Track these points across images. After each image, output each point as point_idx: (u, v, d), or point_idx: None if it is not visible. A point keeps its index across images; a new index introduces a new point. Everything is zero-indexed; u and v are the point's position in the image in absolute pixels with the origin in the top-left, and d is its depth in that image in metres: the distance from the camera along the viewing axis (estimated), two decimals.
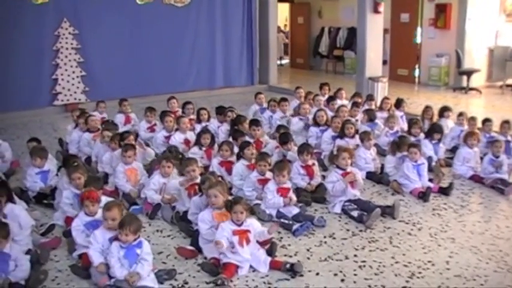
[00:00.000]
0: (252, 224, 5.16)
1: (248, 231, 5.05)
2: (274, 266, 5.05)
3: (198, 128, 8.96)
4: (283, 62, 22.61)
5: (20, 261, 4.82)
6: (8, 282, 4.59)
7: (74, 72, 13.40)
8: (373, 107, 10.38)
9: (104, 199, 5.56)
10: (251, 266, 5.06)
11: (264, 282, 4.86)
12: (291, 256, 5.34)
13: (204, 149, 7.92)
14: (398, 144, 7.60)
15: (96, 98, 12.28)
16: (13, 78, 12.56)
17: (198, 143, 8.01)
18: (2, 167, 8.02)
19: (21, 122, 11.76)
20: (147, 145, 8.46)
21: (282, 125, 8.73)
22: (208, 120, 9.45)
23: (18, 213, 5.55)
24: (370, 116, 9.36)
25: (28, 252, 5.20)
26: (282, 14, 20.52)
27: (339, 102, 10.47)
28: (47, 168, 7.16)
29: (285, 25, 23.16)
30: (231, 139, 8.07)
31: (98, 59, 13.53)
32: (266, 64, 16.57)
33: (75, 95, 13.43)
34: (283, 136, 7.88)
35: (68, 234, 5.61)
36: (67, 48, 13.22)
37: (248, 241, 5.03)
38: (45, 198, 6.93)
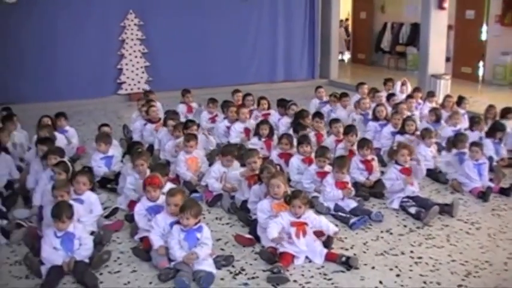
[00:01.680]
0: (309, 216, 5.21)
1: (305, 223, 5.12)
2: (330, 258, 5.09)
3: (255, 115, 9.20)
4: (344, 57, 22.44)
5: (84, 240, 5.06)
6: (73, 260, 4.83)
7: (138, 62, 13.77)
8: (434, 104, 10.24)
9: (169, 185, 5.75)
10: (307, 257, 5.12)
11: (320, 273, 4.91)
12: (347, 249, 5.38)
13: (263, 139, 8.04)
14: (455, 142, 7.50)
15: (159, 88, 12.63)
16: (80, 67, 13.06)
17: (257, 133, 8.14)
18: (68, 152, 8.33)
19: (87, 110, 12.15)
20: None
21: (336, 119, 8.67)
22: (268, 109, 9.59)
23: (94, 202, 5.84)
24: (438, 116, 9.14)
25: (92, 233, 5.43)
26: (344, 8, 20.35)
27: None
28: (111, 154, 7.45)
29: (347, 19, 22.91)
30: (291, 132, 8.14)
31: (162, 50, 13.85)
32: (327, 58, 16.51)
33: (138, 84, 13.79)
34: (348, 128, 7.84)
35: (130, 218, 5.84)
36: (132, 39, 13.61)
37: (305, 233, 5.09)
38: (109, 183, 7.18)
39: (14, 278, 4.94)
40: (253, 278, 4.85)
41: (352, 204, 6.25)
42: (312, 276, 4.85)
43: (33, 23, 12.49)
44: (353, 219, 5.88)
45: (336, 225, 5.80)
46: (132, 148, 6.97)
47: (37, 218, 5.92)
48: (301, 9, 15.81)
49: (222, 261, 5.05)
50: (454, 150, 7.47)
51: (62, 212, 4.93)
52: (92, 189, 5.99)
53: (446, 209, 6.23)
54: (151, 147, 8.43)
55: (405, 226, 5.98)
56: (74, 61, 12.99)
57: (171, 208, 5.11)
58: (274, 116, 9.46)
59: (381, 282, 4.76)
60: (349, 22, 22.76)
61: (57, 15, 12.73)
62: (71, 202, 5.25)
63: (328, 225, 5.25)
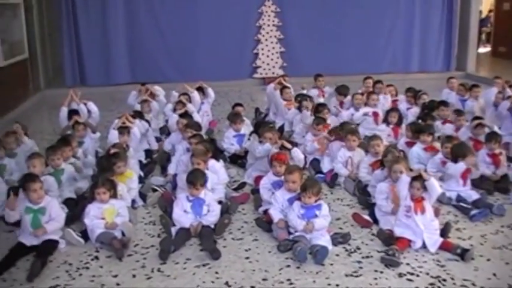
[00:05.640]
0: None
1: (424, 198, 5.15)
2: (445, 247, 5.07)
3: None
4: (483, 50, 21.46)
5: (212, 207, 5.49)
6: (200, 224, 5.28)
7: (273, 48, 14.25)
8: None
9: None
10: (423, 243, 5.15)
11: (433, 260, 4.94)
12: (464, 239, 5.34)
13: (391, 126, 8.10)
14: None
15: (292, 73, 12.98)
16: (218, 50, 13.84)
17: (385, 120, 8.22)
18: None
19: (223, 91, 12.68)
20: None
21: (459, 110, 8.47)
22: (396, 95, 9.74)
23: (218, 169, 6.27)
24: None
25: (220, 202, 5.84)
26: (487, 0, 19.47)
27: None
28: (243, 132, 7.89)
29: (490, 11, 21.85)
30: (419, 121, 8.12)
31: (297, 37, 14.23)
32: (465, 51, 15.95)
33: (273, 69, 14.23)
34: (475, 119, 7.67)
35: (255, 191, 6.22)
36: (269, 25, 14.09)
37: (423, 210, 5.12)
38: (239, 159, 7.61)
39: (147, 236, 5.48)
40: (367, 257, 4.99)
41: (475, 195, 6.16)
42: (425, 262, 4.90)
43: (176, 6, 13.42)
44: (474, 211, 5.82)
45: (456, 216, 5.83)
46: (260, 126, 7.32)
47: (171, 185, 6.52)
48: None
49: (339, 238, 5.24)
50: None
51: (197, 179, 5.42)
52: (215, 158, 6.40)
53: None
54: (281, 128, 8.78)
55: None
56: (213, 44, 13.81)
57: (289, 185, 5.42)
58: (402, 104, 9.43)
59: (494, 274, 4.70)
60: (492, 14, 21.70)
61: (199, 0, 13.59)
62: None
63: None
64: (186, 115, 7.74)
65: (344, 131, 7.12)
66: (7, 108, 10.68)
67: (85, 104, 8.21)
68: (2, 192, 5.99)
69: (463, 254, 4.91)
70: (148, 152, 7.75)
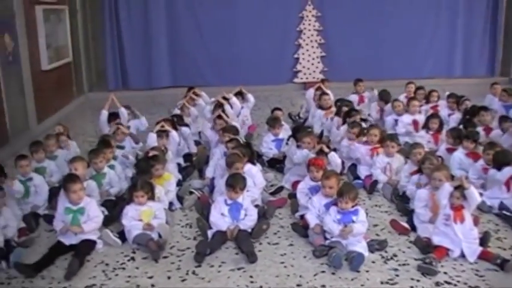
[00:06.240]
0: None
1: (463, 207, 5.05)
2: (484, 256, 4.96)
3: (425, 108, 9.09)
4: None
5: (250, 211, 5.51)
6: (237, 228, 5.29)
7: (314, 52, 14.21)
8: None
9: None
10: (462, 252, 5.04)
11: (472, 269, 4.84)
12: (504, 249, 5.21)
13: (431, 133, 7.97)
14: None
15: (333, 78, 12.99)
16: (259, 55, 13.91)
17: (426, 126, 8.09)
18: (242, 131, 8.90)
19: (263, 95, 12.71)
20: None
21: (505, 116, 8.28)
22: (437, 101, 9.51)
23: (255, 174, 6.27)
24: None
25: (257, 206, 5.84)
26: None
27: None
28: (281, 137, 7.88)
29: None
30: (461, 127, 7.98)
31: (338, 42, 14.15)
32: (509, 55, 15.44)
33: (314, 74, 14.20)
34: None
35: (293, 196, 6.21)
36: (309, 30, 14.06)
37: (463, 219, 5.02)
38: (278, 163, 7.60)
39: (183, 238, 5.54)
40: (403, 264, 4.93)
41: None
42: (464, 271, 4.81)
43: (217, 11, 13.58)
44: None
45: (496, 224, 5.69)
46: (298, 130, 7.30)
47: (209, 188, 6.55)
48: (483, 3, 15.02)
49: (376, 245, 5.19)
50: None
51: (237, 183, 5.46)
52: (251, 162, 6.41)
53: None
54: (321, 133, 8.74)
55: None
56: (253, 49, 13.91)
57: (326, 190, 5.41)
58: (443, 109, 9.26)
59: None
60: None
61: (240, 4, 13.73)
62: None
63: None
64: (221, 117, 7.80)
65: (385, 138, 7.05)
66: (51, 110, 10.91)
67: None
68: (44, 192, 6.17)
69: (503, 264, 4.80)
70: (187, 156, 7.81)
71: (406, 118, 8.60)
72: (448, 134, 7.41)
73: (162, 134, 7.05)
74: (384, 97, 9.58)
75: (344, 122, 7.83)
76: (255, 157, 6.88)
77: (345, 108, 8.28)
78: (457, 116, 8.92)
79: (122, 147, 7.34)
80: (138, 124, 8.37)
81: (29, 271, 4.76)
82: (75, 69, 12.98)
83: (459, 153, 6.94)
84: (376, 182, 6.76)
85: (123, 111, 8.21)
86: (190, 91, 9.55)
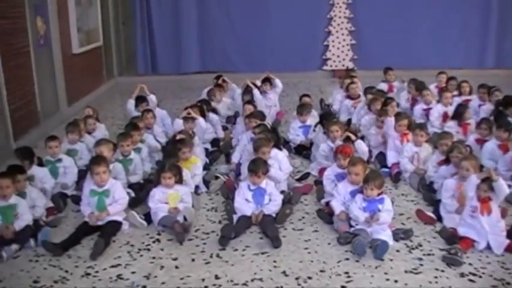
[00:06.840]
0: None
1: (491, 199, 4.97)
2: (511, 249, 4.91)
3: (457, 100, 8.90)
4: None
5: (274, 196, 5.52)
6: (262, 213, 5.32)
7: (344, 40, 14.09)
8: None
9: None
10: (488, 244, 4.98)
11: (498, 261, 4.78)
12: None
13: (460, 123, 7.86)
14: None
15: (363, 66, 12.96)
16: (289, 42, 13.85)
17: (455, 117, 7.97)
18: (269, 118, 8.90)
19: (292, 82, 12.70)
20: None
21: None
22: (469, 94, 9.31)
23: (281, 159, 6.26)
24: None
25: (282, 192, 5.85)
26: None
27: None
28: (309, 124, 7.86)
29: None
30: (492, 118, 7.85)
31: (369, 29, 13.96)
32: None
33: (343, 61, 14.08)
34: None
35: (319, 183, 6.19)
36: (340, 17, 13.94)
37: (490, 211, 4.95)
38: (304, 150, 7.60)
39: (208, 222, 5.59)
40: (428, 254, 4.89)
41: None
42: (489, 263, 4.75)
43: None
44: None
45: None
46: (326, 118, 7.28)
47: (234, 173, 6.59)
48: None
49: (401, 234, 5.15)
50: None
51: (259, 167, 5.46)
52: (277, 146, 6.39)
53: None
54: (349, 120, 8.71)
55: None
56: (283, 35, 13.84)
57: (352, 177, 5.38)
58: (474, 101, 9.10)
59: None
60: None
61: None
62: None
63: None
64: (250, 102, 7.82)
65: (413, 126, 6.98)
66: (81, 93, 11.05)
67: None
68: (73, 174, 6.26)
69: None
70: (215, 141, 7.85)
71: (437, 109, 8.49)
72: (480, 124, 7.29)
73: (189, 119, 7.09)
74: (419, 86, 9.46)
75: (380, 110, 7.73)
76: (281, 142, 6.89)
77: (370, 96, 8.30)
78: (488, 107, 8.76)
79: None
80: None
81: (56, 250, 4.85)
82: (105, 53, 13.09)
83: (491, 144, 6.80)
84: (399, 173, 6.71)
85: (153, 99, 8.28)
86: (218, 79, 9.59)
